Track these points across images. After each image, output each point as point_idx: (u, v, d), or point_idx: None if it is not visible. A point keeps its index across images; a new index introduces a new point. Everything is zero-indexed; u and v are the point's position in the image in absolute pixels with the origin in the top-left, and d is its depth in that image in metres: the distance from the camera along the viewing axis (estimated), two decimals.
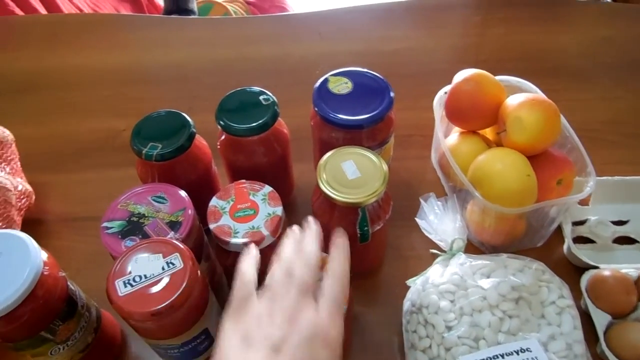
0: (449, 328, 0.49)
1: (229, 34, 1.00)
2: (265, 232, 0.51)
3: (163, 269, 0.42)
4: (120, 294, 0.42)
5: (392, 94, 0.59)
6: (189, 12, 1.43)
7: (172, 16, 1.28)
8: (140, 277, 0.42)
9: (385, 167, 0.52)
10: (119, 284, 0.42)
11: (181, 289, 0.42)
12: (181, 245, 0.44)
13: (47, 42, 0.98)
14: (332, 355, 0.35)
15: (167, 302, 0.41)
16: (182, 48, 0.97)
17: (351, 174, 0.51)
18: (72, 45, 0.97)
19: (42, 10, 1.11)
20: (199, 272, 0.45)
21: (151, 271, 0.43)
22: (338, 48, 0.95)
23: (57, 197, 0.72)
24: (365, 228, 0.52)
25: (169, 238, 0.47)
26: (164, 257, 0.43)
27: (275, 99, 0.58)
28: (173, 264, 0.43)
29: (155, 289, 0.42)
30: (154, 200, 0.50)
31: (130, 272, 0.43)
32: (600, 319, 0.54)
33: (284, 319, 0.35)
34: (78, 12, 1.19)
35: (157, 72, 0.93)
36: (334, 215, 0.52)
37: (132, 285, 0.42)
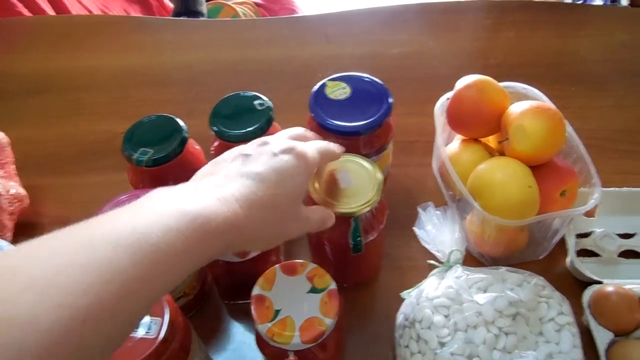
0: (442, 344, 0.47)
1: (235, 36, 0.99)
2: None
3: (138, 328, 0.40)
4: None
5: (390, 100, 0.58)
6: (197, 14, 1.42)
7: (180, 18, 1.28)
8: None
9: (380, 175, 0.50)
10: None
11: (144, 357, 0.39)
12: (167, 309, 0.42)
13: (54, 43, 0.98)
14: (297, 164, 0.39)
15: None
16: (188, 50, 0.97)
17: (344, 182, 0.50)
18: (79, 47, 0.98)
19: (50, 11, 1.12)
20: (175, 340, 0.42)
21: None
22: (344, 51, 0.93)
23: (55, 200, 0.72)
24: (358, 239, 0.51)
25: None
26: (149, 314, 0.41)
27: (271, 104, 0.57)
28: (149, 330, 0.40)
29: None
30: None
31: None
32: (602, 337, 0.52)
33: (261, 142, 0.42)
34: (87, 13, 1.20)
35: (162, 74, 0.92)
36: None
37: None
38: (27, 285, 0.24)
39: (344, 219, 0.50)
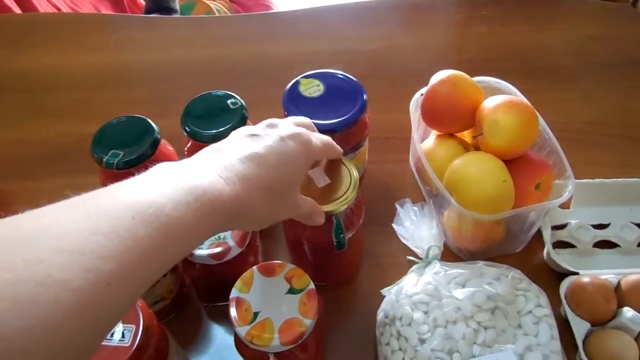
0: (422, 341, 0.47)
1: (208, 33, 0.98)
2: (232, 243, 0.49)
3: (112, 335, 0.39)
4: None
5: (365, 97, 0.57)
6: (170, 10, 1.40)
7: (152, 15, 1.26)
8: None
9: (355, 172, 0.50)
10: None
11: None
12: (141, 316, 0.41)
13: (18, 42, 0.95)
14: (300, 150, 0.41)
15: None
16: (159, 48, 0.95)
17: (320, 181, 0.49)
18: (45, 46, 0.95)
19: (17, 10, 1.08)
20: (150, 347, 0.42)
21: None
22: (318, 48, 0.93)
23: (24, 205, 0.68)
24: (341, 235, 0.51)
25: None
26: (123, 321, 0.40)
27: (244, 103, 0.56)
28: (123, 337, 0.40)
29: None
30: None
31: None
32: (580, 327, 0.53)
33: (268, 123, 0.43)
34: (55, 11, 1.16)
35: (133, 73, 0.90)
36: (305, 225, 0.50)
37: None
38: (57, 247, 0.25)
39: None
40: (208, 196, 0.33)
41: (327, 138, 0.46)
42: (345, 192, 0.48)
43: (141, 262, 0.28)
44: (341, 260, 0.57)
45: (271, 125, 0.42)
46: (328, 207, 0.48)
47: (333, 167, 0.51)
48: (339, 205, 0.48)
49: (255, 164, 0.37)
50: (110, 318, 0.28)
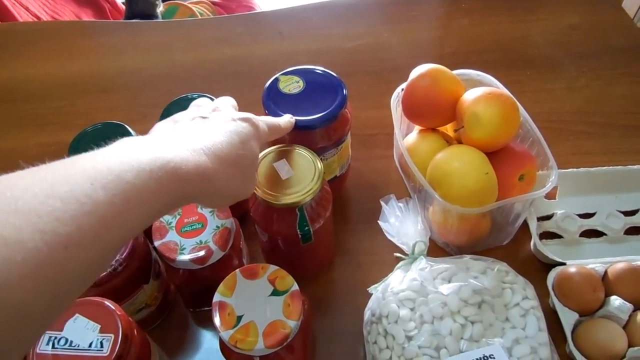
0: (409, 338, 0.47)
1: (189, 36, 0.97)
2: (214, 247, 0.48)
3: (91, 345, 0.39)
4: (38, 350, 0.39)
5: (345, 91, 0.57)
6: (152, 17, 1.38)
7: (132, 21, 1.25)
8: (67, 341, 0.39)
9: (319, 164, 0.50)
10: (44, 336, 0.39)
11: None
12: (119, 325, 0.40)
13: None
14: (252, 132, 0.42)
15: None
16: (139, 53, 0.94)
17: (284, 173, 0.49)
18: (25, 55, 0.94)
19: None
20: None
21: (80, 341, 0.39)
22: (299, 47, 0.92)
23: None
24: (306, 228, 0.50)
25: (114, 309, 0.42)
26: (100, 331, 0.40)
27: None
28: (101, 347, 0.39)
29: None
30: None
31: (62, 330, 0.40)
32: (568, 317, 0.52)
33: (212, 108, 0.44)
34: (35, 20, 1.15)
35: (112, 79, 0.89)
36: (273, 218, 0.50)
37: (54, 347, 0.39)
38: (12, 209, 0.25)
39: (289, 210, 0.49)
40: (172, 165, 0.33)
41: (270, 120, 0.48)
42: (310, 184, 0.48)
43: (101, 227, 0.27)
44: (314, 252, 0.56)
45: (215, 109, 0.44)
46: (292, 199, 0.47)
47: (298, 159, 0.50)
48: (304, 196, 0.48)
49: (219, 139, 0.38)
50: (70, 284, 0.26)
